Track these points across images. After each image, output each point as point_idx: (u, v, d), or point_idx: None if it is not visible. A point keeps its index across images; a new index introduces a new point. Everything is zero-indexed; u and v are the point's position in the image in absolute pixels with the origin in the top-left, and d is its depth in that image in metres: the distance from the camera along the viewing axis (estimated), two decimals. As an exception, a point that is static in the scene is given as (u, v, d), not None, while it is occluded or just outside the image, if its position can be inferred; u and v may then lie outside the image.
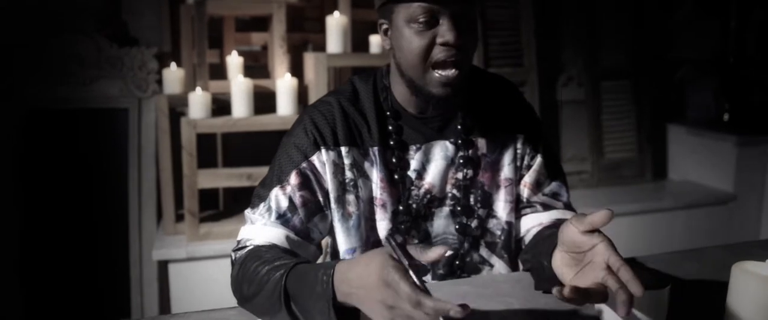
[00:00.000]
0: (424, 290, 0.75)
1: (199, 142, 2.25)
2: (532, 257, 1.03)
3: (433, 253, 0.82)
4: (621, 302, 0.77)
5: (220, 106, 2.38)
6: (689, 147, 3.18)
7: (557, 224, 1.11)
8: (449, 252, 1.15)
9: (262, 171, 2.28)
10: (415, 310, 0.74)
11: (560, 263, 0.92)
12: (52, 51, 2.45)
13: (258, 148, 2.38)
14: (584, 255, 0.87)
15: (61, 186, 2.46)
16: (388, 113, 1.14)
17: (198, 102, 2.23)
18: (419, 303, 0.73)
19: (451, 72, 1.02)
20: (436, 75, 1.03)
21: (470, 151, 1.16)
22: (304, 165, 1.09)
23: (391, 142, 1.13)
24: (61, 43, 2.45)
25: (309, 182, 1.10)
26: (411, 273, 0.77)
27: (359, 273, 0.81)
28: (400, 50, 1.06)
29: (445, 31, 1.00)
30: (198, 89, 2.26)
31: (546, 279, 0.96)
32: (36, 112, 2.45)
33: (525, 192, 1.20)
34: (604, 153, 3.08)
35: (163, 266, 2.34)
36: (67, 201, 2.46)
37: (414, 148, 1.14)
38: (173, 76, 2.39)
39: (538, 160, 1.20)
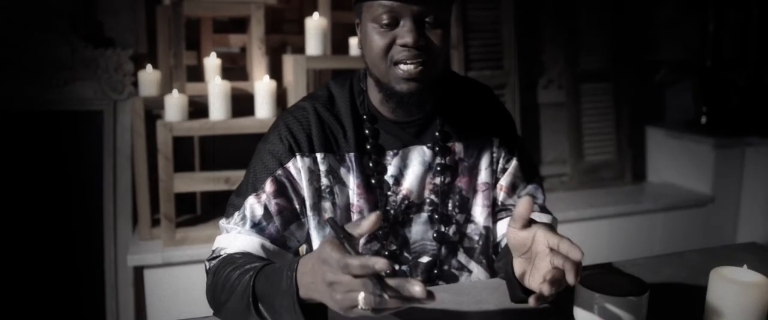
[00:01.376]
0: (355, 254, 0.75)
1: (175, 145, 2.21)
2: (504, 265, 1.03)
3: (367, 222, 0.79)
4: (568, 273, 0.78)
5: (197, 108, 2.34)
6: (668, 149, 3.21)
7: None
8: (391, 248, 1.14)
9: (240, 175, 2.24)
10: (347, 277, 0.73)
11: (519, 270, 0.93)
12: (25, 52, 2.39)
13: (236, 152, 2.34)
14: (531, 252, 0.89)
15: (35, 190, 2.41)
16: (364, 117, 1.12)
17: (174, 104, 2.19)
18: (346, 264, 0.72)
19: (412, 68, 1.01)
20: (399, 71, 1.02)
21: (448, 156, 1.15)
22: (279, 172, 1.08)
23: (368, 147, 1.11)
24: (34, 43, 2.40)
25: (284, 189, 1.08)
26: (346, 245, 0.76)
27: (312, 262, 0.80)
28: (365, 48, 1.05)
29: (404, 33, 0.99)
30: (174, 91, 2.22)
31: (517, 289, 0.96)
32: (8, 114, 2.40)
33: (500, 195, 1.19)
34: (583, 155, 3.09)
35: (138, 271, 2.30)
36: (40, 204, 2.41)
37: (391, 153, 1.13)
38: (149, 77, 2.35)
39: (514, 163, 1.19)
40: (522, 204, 0.87)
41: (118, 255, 2.41)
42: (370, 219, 0.79)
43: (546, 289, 0.79)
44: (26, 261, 2.38)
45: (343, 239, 0.77)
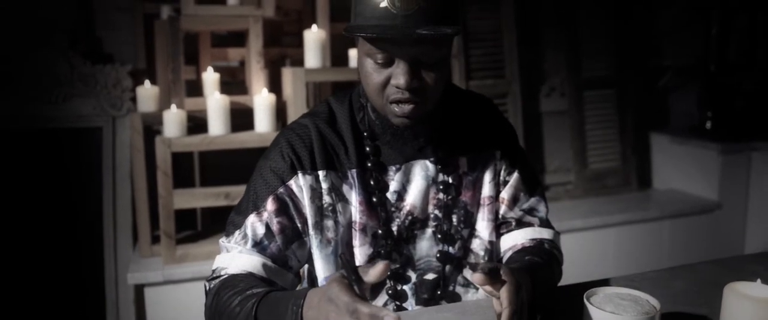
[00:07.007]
0: (365, 300, 0.77)
1: (175, 160, 2.19)
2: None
3: (375, 270, 0.81)
4: None
5: (197, 123, 2.32)
6: (673, 155, 3.17)
7: (532, 243, 1.14)
8: (393, 267, 1.12)
9: (240, 190, 2.23)
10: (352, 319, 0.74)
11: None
12: (24, 68, 2.38)
13: (236, 167, 2.32)
14: None
15: (34, 208, 2.39)
16: (365, 133, 1.10)
17: (173, 120, 2.17)
18: (356, 310, 0.74)
19: (406, 107, 1.00)
20: (394, 108, 1.01)
21: (451, 171, 1.12)
22: (281, 190, 1.06)
23: (369, 164, 1.09)
24: (32, 60, 2.39)
25: (286, 208, 1.06)
26: (355, 287, 0.78)
27: (318, 298, 0.82)
28: (362, 77, 1.04)
29: (398, 74, 0.98)
30: (173, 107, 2.20)
31: None
32: (7, 131, 2.38)
33: (502, 208, 1.17)
34: (588, 163, 3.06)
35: (139, 289, 2.27)
36: (40, 222, 2.39)
37: (393, 168, 1.10)
38: (148, 93, 2.33)
39: (515, 175, 1.17)
40: (477, 278, 0.84)
41: (119, 273, 2.38)
42: (378, 269, 0.81)
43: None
44: (27, 279, 2.35)
45: (354, 281, 0.79)
